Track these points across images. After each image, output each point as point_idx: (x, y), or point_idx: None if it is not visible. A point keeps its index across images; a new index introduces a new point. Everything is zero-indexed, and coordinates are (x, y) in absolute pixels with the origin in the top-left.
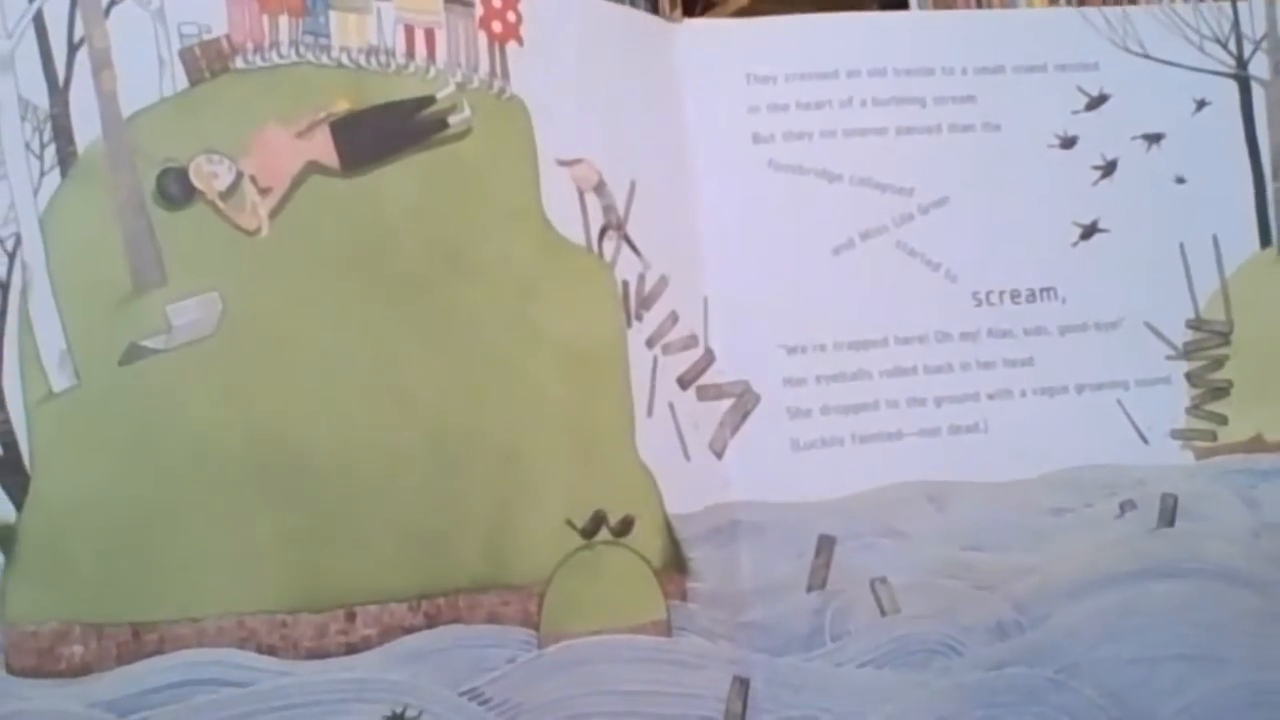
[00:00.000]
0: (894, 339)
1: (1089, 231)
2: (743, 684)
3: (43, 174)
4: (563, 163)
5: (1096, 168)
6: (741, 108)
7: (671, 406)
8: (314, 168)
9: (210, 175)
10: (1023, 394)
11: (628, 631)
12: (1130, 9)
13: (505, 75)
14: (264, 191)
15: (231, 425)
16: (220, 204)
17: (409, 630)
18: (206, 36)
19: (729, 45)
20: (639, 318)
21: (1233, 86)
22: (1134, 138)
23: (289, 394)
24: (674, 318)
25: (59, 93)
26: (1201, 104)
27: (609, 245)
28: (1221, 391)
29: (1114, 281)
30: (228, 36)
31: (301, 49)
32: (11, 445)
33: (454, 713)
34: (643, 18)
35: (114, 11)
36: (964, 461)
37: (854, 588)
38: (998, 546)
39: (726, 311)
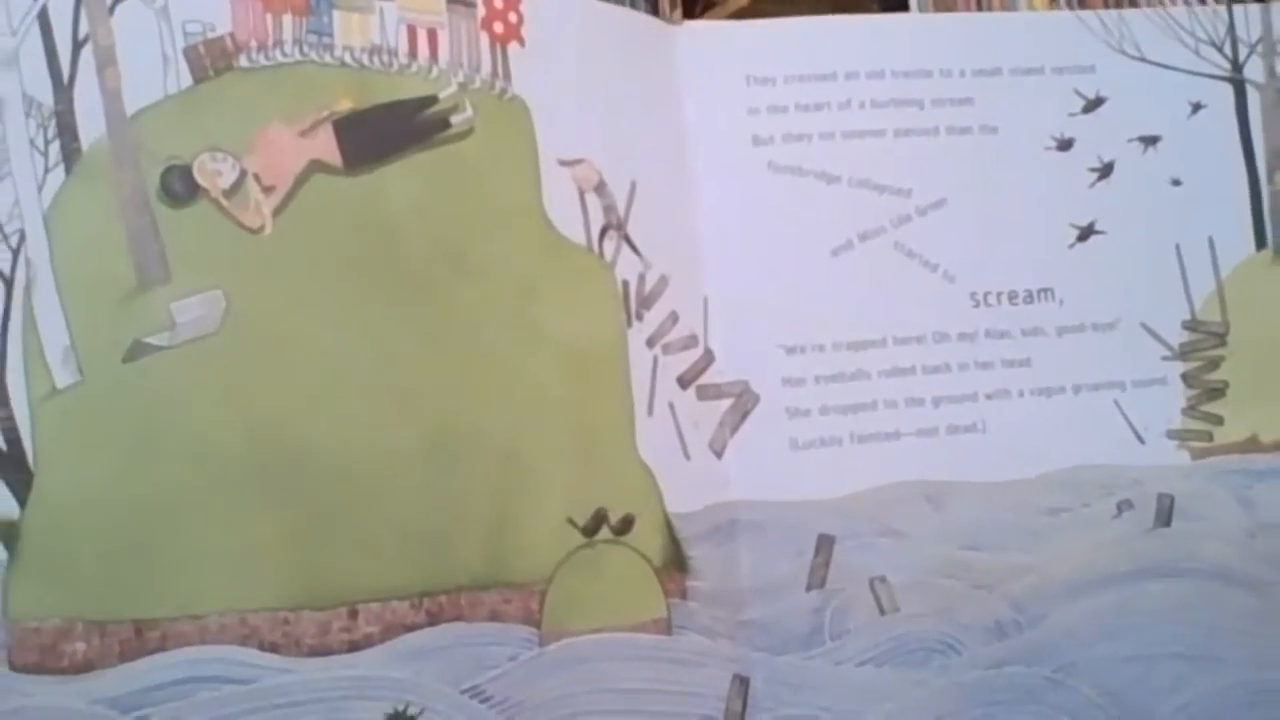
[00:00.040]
0: (892, 339)
1: (1086, 233)
2: (743, 682)
3: (47, 171)
4: (564, 163)
5: (1093, 170)
6: (741, 109)
7: (671, 406)
8: (317, 166)
9: (214, 173)
10: (1020, 394)
11: (628, 629)
12: (1126, 12)
13: (507, 76)
14: (267, 190)
15: (234, 422)
16: (224, 202)
17: (411, 628)
18: (211, 35)
19: (728, 47)
20: (639, 317)
21: (1228, 89)
22: (1130, 140)
23: (292, 391)
24: (674, 318)
25: (63, 90)
26: (1197, 107)
27: (609, 245)
28: (1217, 392)
29: (1111, 283)
30: (232, 35)
31: (305, 48)
32: (15, 441)
33: (456, 710)
34: (643, 19)
35: (119, 9)
36: (962, 461)
37: (853, 587)
38: (995, 546)
39: (726, 312)
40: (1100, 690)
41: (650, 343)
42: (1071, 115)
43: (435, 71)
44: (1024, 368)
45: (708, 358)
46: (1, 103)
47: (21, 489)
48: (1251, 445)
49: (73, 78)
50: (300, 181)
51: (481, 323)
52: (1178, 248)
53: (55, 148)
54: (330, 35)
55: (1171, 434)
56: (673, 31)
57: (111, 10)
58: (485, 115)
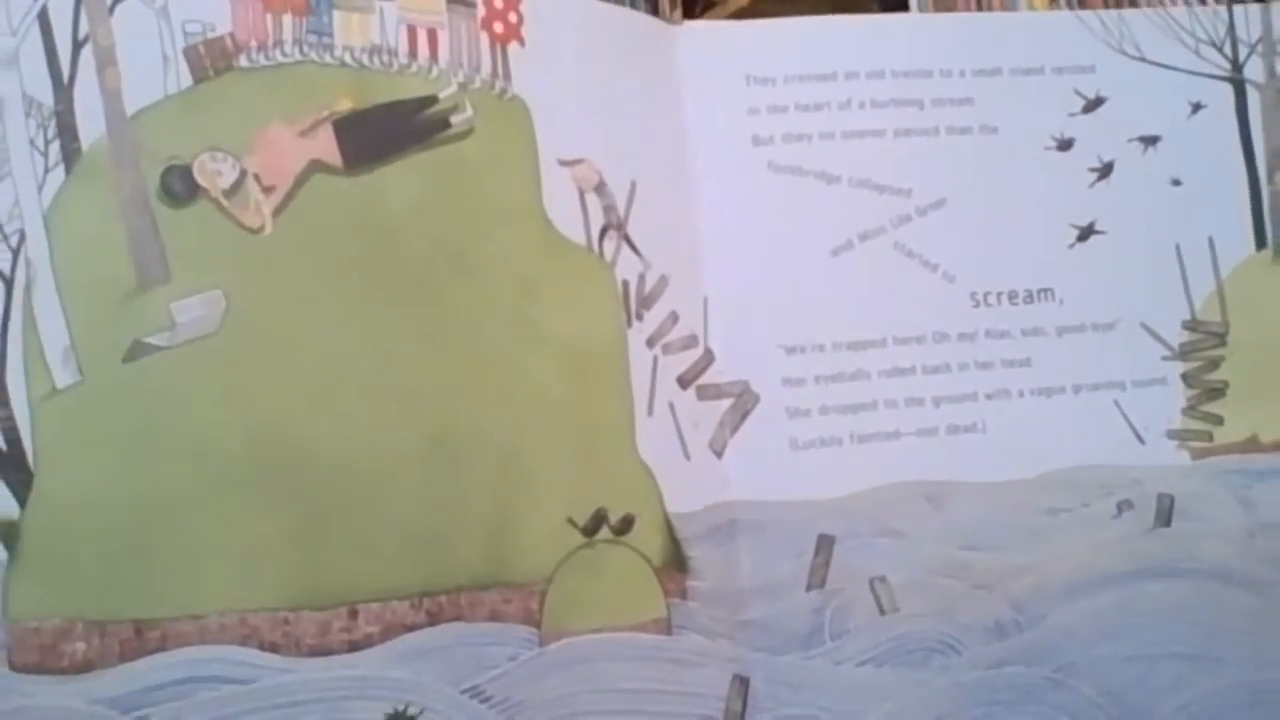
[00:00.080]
0: (892, 339)
1: (1086, 233)
2: (742, 682)
3: (47, 171)
4: (563, 163)
5: (1093, 170)
6: (741, 109)
7: (671, 406)
8: (317, 166)
9: (214, 173)
10: (1020, 394)
11: (628, 629)
12: (1126, 12)
13: (507, 76)
14: (267, 190)
15: (234, 422)
16: (224, 202)
17: (411, 628)
18: (211, 35)
19: (728, 47)
20: (639, 317)
21: (1228, 89)
22: (1130, 140)
23: (292, 391)
24: (674, 317)
25: (64, 90)
26: (1197, 107)
27: (609, 245)
28: (1217, 392)
29: (1111, 283)
30: (232, 35)
31: (305, 48)
32: (15, 441)
33: (456, 710)
34: (643, 19)
35: (118, 9)
36: (962, 461)
37: (853, 587)
38: (995, 546)
39: (726, 312)
40: (1100, 690)
41: (650, 343)
42: (1071, 115)
43: (435, 71)
44: (1024, 368)
45: (708, 358)
46: (2, 102)
47: (22, 489)
48: (1251, 445)
49: (73, 78)
50: (300, 181)
51: (482, 322)
52: (1178, 248)
53: (55, 148)
54: (330, 35)
55: (1171, 434)
56: (673, 31)
57: (111, 10)
58: (485, 115)
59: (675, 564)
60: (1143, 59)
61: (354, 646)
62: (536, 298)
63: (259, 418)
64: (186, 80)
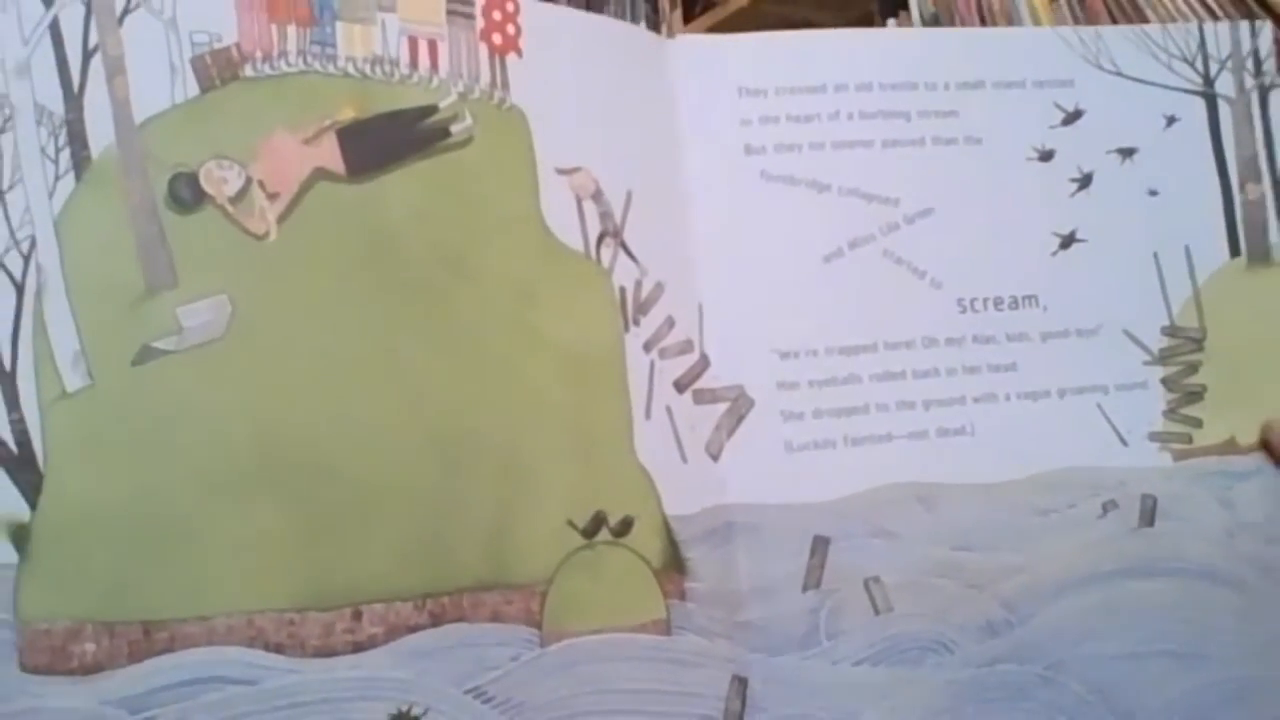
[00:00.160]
0: (883, 344)
1: (1068, 241)
2: (741, 682)
3: (57, 178)
4: (561, 171)
5: (1074, 180)
6: (733, 120)
7: (669, 410)
8: (321, 174)
9: (220, 180)
10: (1007, 398)
11: (628, 630)
12: (1103, 29)
13: (505, 86)
14: (272, 196)
15: (240, 426)
16: (230, 208)
17: (414, 629)
18: (217, 45)
19: (721, 59)
20: (636, 323)
21: (1200, 103)
22: (1108, 152)
23: (296, 395)
24: (670, 323)
25: (74, 99)
26: (1171, 120)
27: (607, 252)
28: (1196, 396)
29: (1092, 289)
30: (238, 45)
31: (309, 58)
32: (26, 444)
33: (458, 710)
34: (638, 32)
35: (128, 20)
36: (951, 463)
37: (848, 587)
38: (986, 546)
39: (721, 317)
40: (1090, 687)
41: (647, 347)
42: (1052, 127)
43: (436, 82)
44: (1010, 372)
45: (703, 362)
46: (14, 111)
47: (32, 491)
48: (1229, 447)
49: (83, 87)
50: (304, 189)
51: (482, 327)
52: (1156, 256)
53: (65, 155)
54: (333, 46)
55: (1153, 436)
56: (667, 44)
57: (121, 21)
58: (484, 124)
59: (674, 565)
60: (1119, 74)
61: (358, 647)
62: (536, 303)
63: (263, 420)
64: (193, 89)
